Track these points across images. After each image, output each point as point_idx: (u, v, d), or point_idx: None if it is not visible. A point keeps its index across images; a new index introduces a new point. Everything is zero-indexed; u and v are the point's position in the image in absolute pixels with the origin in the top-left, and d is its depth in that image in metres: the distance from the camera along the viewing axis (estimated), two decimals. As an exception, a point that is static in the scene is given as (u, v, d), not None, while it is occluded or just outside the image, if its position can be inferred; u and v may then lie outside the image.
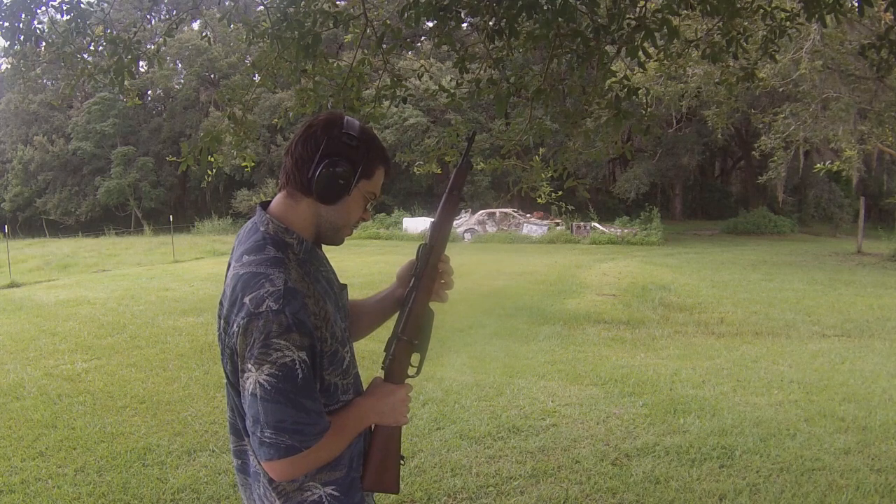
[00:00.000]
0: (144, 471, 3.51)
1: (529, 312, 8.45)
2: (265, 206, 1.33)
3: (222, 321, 1.24)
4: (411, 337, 1.39)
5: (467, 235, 22.87)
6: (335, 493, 1.28)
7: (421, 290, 1.40)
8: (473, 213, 25.20)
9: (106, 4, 4.41)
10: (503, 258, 15.79)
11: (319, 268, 1.32)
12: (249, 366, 1.14)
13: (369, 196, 1.33)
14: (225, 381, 1.33)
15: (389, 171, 1.36)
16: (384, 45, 3.56)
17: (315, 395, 1.19)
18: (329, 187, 1.25)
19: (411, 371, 1.40)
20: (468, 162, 1.46)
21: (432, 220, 1.46)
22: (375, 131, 1.38)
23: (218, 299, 1.34)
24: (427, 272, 1.41)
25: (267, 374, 1.13)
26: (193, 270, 13.67)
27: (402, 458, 1.41)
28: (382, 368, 1.41)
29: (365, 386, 1.40)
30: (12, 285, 11.78)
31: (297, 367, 1.14)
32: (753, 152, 19.03)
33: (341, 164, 1.24)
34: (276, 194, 1.34)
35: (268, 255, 1.22)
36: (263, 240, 1.25)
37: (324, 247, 1.38)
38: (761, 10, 3.48)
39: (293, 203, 1.29)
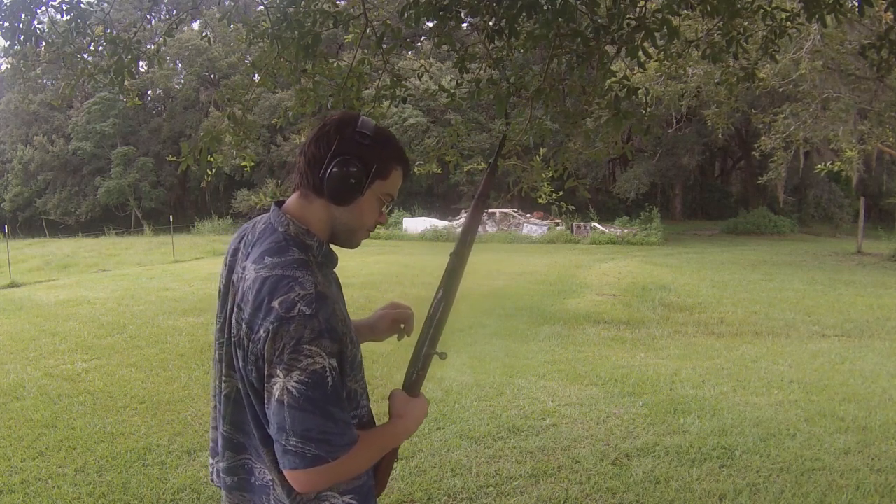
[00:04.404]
0: (144, 471, 3.51)
1: (529, 312, 8.45)
2: (279, 204, 1.29)
3: (244, 325, 1.16)
4: (437, 350, 1.37)
5: (467, 235, 22.83)
6: (353, 502, 1.25)
7: (448, 301, 1.37)
8: (473, 213, 25.16)
9: (106, 4, 4.41)
10: (503, 258, 15.78)
11: (333, 270, 1.30)
12: (278, 371, 1.10)
13: (385, 198, 1.29)
14: (221, 393, 1.28)
15: (408, 172, 1.33)
16: (384, 45, 3.57)
17: (344, 404, 1.16)
18: (340, 187, 1.21)
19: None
20: (496, 167, 1.44)
21: (461, 226, 1.47)
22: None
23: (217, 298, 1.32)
24: (454, 283, 1.38)
25: (296, 381, 1.09)
26: (193, 270, 13.66)
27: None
28: (411, 382, 1.38)
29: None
30: (12, 285, 11.78)
31: (328, 374, 1.11)
32: (753, 152, 19.01)
33: (353, 163, 1.21)
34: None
35: (293, 257, 1.18)
36: (285, 241, 1.21)
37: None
38: (761, 10, 3.47)
39: (307, 203, 1.25)
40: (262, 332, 1.12)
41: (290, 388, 1.10)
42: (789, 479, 3.38)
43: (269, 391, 1.13)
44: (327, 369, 1.11)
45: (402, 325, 1.53)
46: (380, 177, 1.26)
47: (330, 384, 1.12)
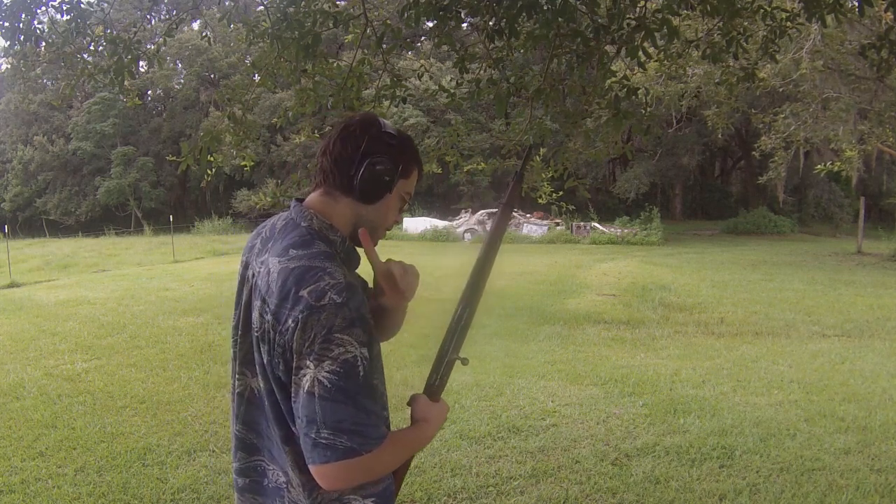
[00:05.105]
0: (144, 471, 3.51)
1: (529, 312, 8.45)
2: (300, 202, 1.30)
3: (269, 317, 1.14)
4: (459, 356, 1.37)
5: (467, 235, 22.86)
6: None
7: (472, 307, 1.37)
8: (473, 213, 25.20)
9: (106, 4, 4.42)
10: (503, 258, 15.70)
11: (354, 269, 1.30)
12: (308, 362, 1.08)
13: (406, 196, 1.31)
14: (235, 391, 1.28)
15: (422, 172, 1.35)
16: (384, 45, 3.57)
17: (375, 396, 1.13)
18: (373, 186, 1.23)
19: None
20: (522, 177, 1.45)
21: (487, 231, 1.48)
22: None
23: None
24: (478, 289, 1.37)
25: (327, 371, 1.07)
26: (193, 270, 13.66)
27: None
28: (434, 388, 1.36)
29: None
30: (12, 285, 11.78)
31: (359, 363, 1.09)
32: (753, 152, 19.00)
33: (384, 162, 1.22)
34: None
35: (319, 249, 1.17)
36: (309, 235, 1.21)
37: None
38: (761, 10, 3.48)
39: (332, 202, 1.25)
40: (290, 322, 1.10)
41: (321, 378, 1.07)
42: (789, 479, 3.38)
43: (298, 383, 1.10)
44: (359, 358, 1.09)
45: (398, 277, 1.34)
46: (403, 176, 1.28)
47: (362, 374, 1.10)
